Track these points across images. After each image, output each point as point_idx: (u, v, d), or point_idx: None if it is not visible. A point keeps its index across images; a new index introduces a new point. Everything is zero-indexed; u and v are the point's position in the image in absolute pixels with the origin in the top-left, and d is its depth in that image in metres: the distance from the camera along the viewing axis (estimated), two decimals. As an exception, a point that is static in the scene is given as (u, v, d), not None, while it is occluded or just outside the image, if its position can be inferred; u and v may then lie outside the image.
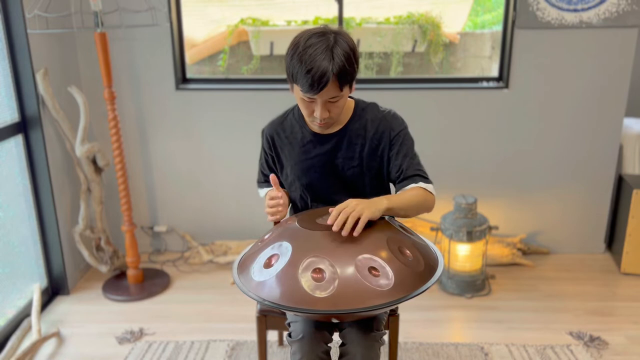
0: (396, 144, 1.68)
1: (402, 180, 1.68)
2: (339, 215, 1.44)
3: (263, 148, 1.84)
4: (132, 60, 3.02)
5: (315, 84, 1.47)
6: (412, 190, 1.64)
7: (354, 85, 1.59)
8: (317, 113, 1.56)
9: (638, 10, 2.81)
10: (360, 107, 1.73)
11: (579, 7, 2.83)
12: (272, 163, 1.83)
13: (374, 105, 1.74)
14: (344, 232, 1.42)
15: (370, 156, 1.71)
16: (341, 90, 1.52)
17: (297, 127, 1.74)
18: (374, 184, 1.75)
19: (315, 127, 1.66)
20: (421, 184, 1.65)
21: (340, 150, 1.71)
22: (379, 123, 1.69)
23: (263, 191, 1.92)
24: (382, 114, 1.71)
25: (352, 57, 1.51)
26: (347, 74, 1.50)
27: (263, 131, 1.82)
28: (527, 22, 2.86)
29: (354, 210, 1.44)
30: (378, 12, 3.18)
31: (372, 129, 1.69)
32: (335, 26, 1.59)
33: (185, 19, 3.06)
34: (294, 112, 1.77)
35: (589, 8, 2.83)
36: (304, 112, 1.61)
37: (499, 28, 3.03)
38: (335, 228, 1.43)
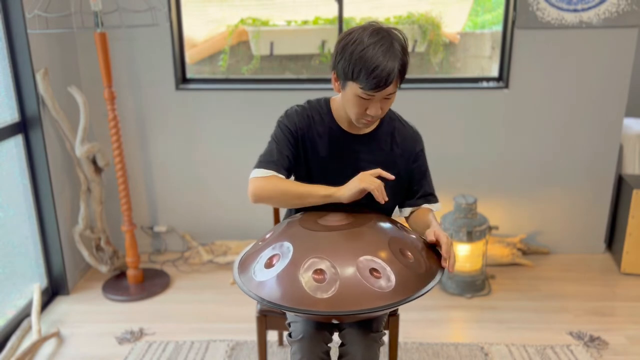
0: (417, 162, 1.75)
1: (419, 197, 1.78)
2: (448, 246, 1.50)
3: (286, 130, 1.67)
4: (132, 60, 3.01)
5: (383, 81, 1.47)
6: (425, 213, 1.75)
7: None
8: (372, 110, 1.54)
9: (638, 10, 2.81)
10: (387, 113, 1.73)
11: (579, 7, 2.83)
12: (289, 150, 1.67)
13: (394, 113, 1.76)
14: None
15: (391, 165, 1.70)
16: (398, 86, 1.54)
17: (326, 121, 1.69)
18: (387, 193, 1.73)
19: (361, 124, 1.62)
20: (433, 206, 1.78)
21: (365, 153, 1.70)
22: (406, 135, 1.73)
23: (269, 172, 1.62)
24: (409, 126, 1.76)
25: (407, 52, 1.53)
26: (405, 70, 1.53)
27: (290, 114, 1.68)
28: (527, 22, 2.86)
29: None
30: (378, 12, 3.18)
31: (400, 138, 1.72)
32: (380, 22, 1.57)
33: (185, 19, 3.06)
34: (320, 106, 1.70)
35: (589, 8, 2.83)
36: (356, 109, 1.56)
37: (499, 28, 3.03)
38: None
